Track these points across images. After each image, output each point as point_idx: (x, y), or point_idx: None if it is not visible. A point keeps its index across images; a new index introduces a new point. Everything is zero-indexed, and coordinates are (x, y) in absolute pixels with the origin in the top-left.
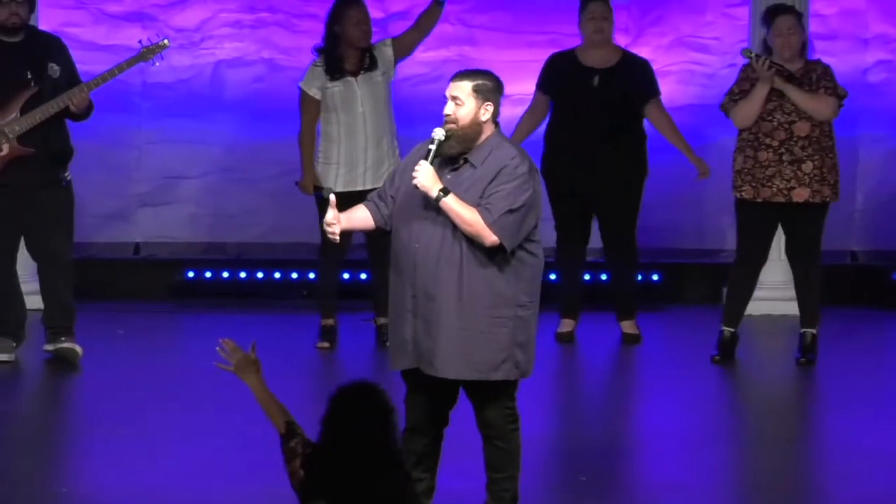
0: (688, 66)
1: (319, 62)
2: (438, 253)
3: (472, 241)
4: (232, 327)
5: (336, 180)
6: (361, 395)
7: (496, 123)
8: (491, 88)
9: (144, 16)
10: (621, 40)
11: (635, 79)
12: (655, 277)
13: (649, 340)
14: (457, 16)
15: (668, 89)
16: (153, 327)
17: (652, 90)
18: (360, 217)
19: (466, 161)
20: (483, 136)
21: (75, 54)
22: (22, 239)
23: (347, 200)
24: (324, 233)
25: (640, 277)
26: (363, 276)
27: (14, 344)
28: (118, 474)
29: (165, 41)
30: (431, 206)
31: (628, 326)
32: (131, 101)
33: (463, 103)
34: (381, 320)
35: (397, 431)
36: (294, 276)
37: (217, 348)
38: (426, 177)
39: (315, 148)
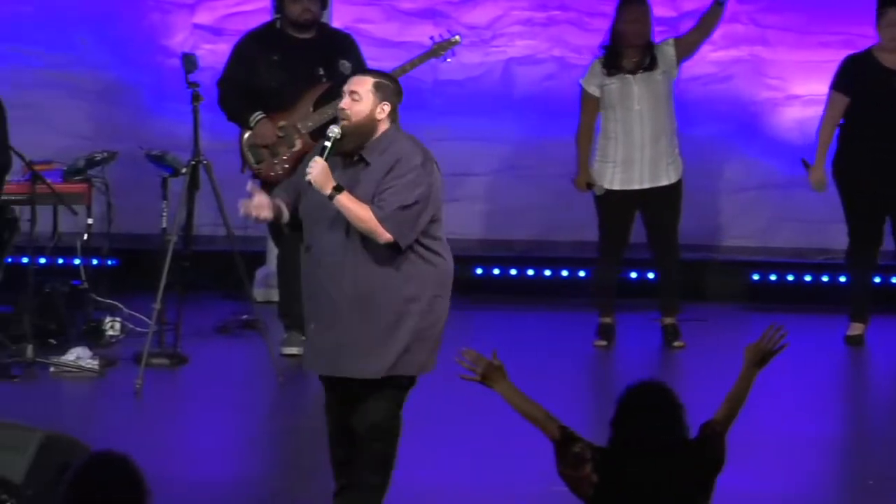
0: None
1: (600, 59)
2: (337, 251)
3: (368, 239)
4: (517, 324)
5: (612, 178)
6: (652, 395)
7: (394, 123)
8: (392, 90)
9: (436, 13)
10: None
11: None
12: None
13: None
14: (749, 15)
15: None
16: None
17: None
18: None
19: (361, 158)
20: (378, 132)
21: (368, 51)
22: None
23: (623, 199)
24: (603, 230)
25: None
26: (650, 275)
27: (303, 337)
28: (404, 469)
29: (457, 37)
30: (327, 204)
31: None
32: (422, 97)
33: (360, 99)
34: (668, 320)
35: (687, 428)
36: (581, 273)
37: (456, 359)
38: (319, 174)
39: (593, 145)
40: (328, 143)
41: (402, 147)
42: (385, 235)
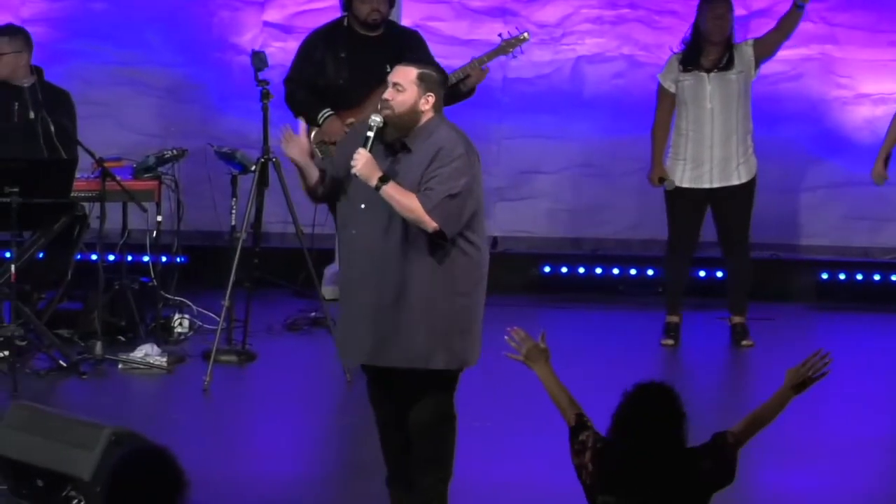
0: None
1: (678, 55)
2: (378, 240)
3: (413, 228)
4: (585, 323)
5: (682, 176)
6: (656, 396)
7: (438, 111)
8: (435, 80)
9: (506, 11)
10: None
11: None
12: None
13: None
14: (819, 14)
15: None
16: (508, 320)
17: None
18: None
19: (404, 146)
20: (421, 122)
21: (437, 48)
22: None
23: (692, 197)
24: (672, 227)
25: None
26: (718, 274)
27: None
28: (477, 467)
29: (525, 34)
30: (369, 193)
31: None
32: (492, 95)
33: (404, 90)
34: (736, 319)
35: (685, 436)
36: (650, 272)
37: (506, 337)
38: (365, 165)
39: (667, 141)
40: (370, 134)
41: (446, 135)
42: (432, 224)
